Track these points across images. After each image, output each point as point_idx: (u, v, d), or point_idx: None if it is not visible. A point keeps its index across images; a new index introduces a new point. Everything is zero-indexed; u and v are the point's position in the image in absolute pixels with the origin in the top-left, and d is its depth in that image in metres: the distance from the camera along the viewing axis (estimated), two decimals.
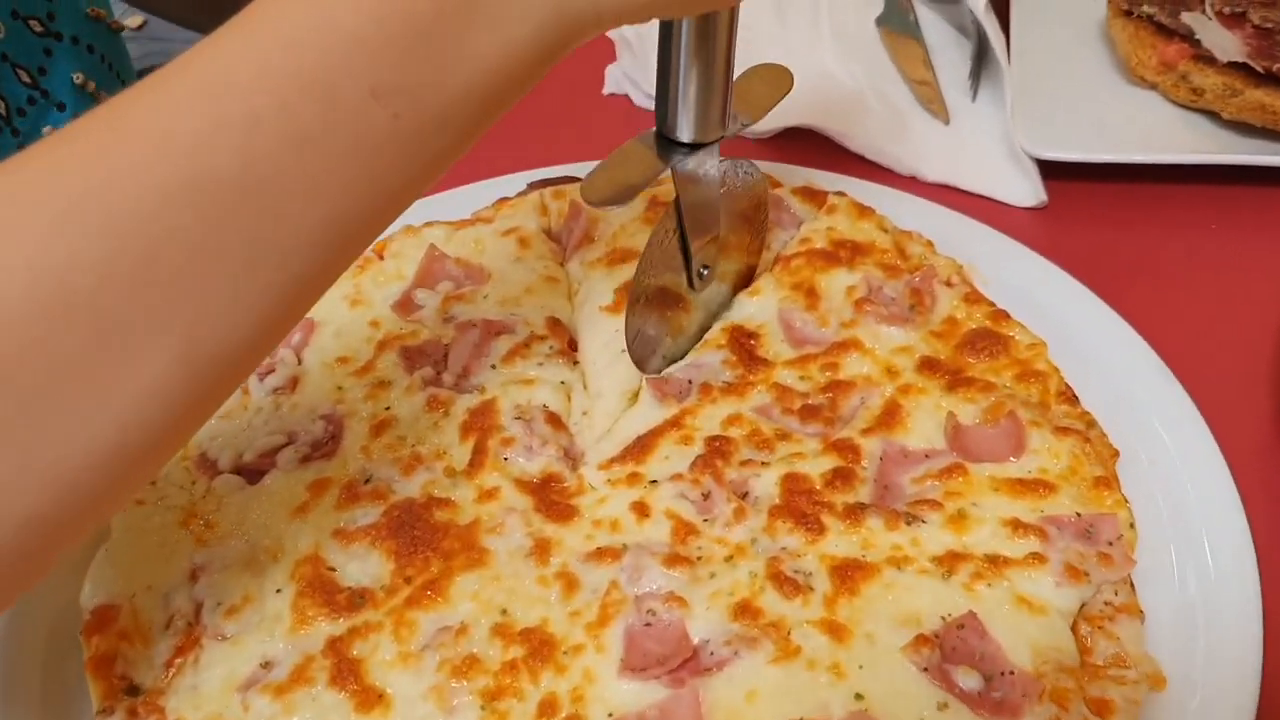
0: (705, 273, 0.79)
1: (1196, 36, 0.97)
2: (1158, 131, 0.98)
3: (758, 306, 0.82)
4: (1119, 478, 0.71)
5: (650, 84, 1.11)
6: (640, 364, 0.77)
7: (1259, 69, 0.92)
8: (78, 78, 1.20)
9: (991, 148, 1.00)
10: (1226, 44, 0.96)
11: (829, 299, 0.82)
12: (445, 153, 0.54)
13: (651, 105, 1.09)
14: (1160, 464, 0.72)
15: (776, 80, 0.82)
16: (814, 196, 0.90)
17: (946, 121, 1.04)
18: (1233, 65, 0.94)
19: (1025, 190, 0.96)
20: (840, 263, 0.84)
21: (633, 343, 0.76)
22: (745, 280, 0.84)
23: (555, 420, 0.75)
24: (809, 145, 1.03)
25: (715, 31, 0.65)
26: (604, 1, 0.55)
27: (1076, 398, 0.76)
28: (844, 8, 1.19)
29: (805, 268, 0.83)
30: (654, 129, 0.72)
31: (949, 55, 1.11)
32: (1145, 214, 0.95)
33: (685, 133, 0.70)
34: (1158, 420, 0.74)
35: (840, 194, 0.89)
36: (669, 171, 0.72)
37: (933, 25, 1.15)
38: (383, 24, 0.50)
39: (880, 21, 1.16)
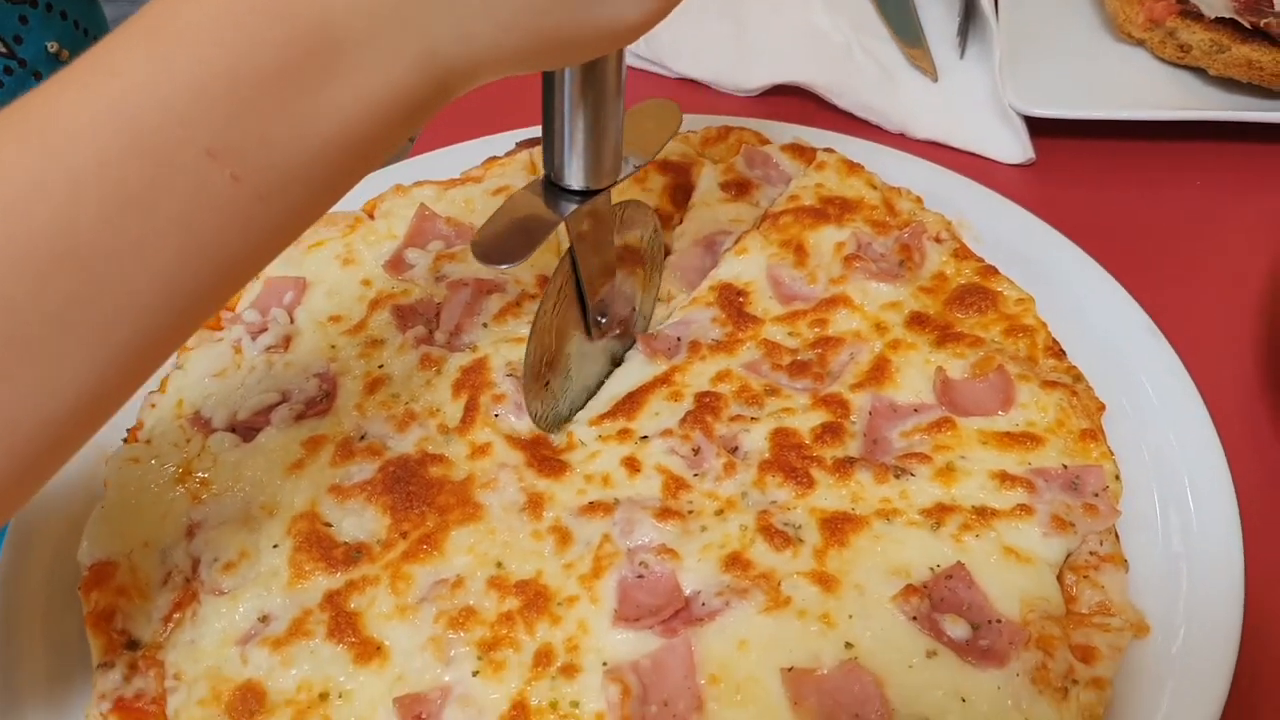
0: (604, 320, 0.75)
1: None
2: (1145, 88, 0.98)
3: (746, 264, 0.82)
4: (1105, 431, 0.72)
5: (642, 44, 1.10)
6: (538, 421, 0.73)
7: (1246, 24, 0.92)
8: (52, 46, 1.19)
9: (980, 105, 1.00)
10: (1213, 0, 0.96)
11: (818, 256, 0.82)
12: (299, 212, 0.50)
13: (641, 64, 1.11)
14: (1145, 417, 0.73)
15: (665, 118, 0.78)
16: (803, 153, 0.90)
17: (935, 79, 1.04)
18: (1220, 21, 0.94)
19: (1014, 147, 0.96)
20: (829, 219, 0.84)
21: (533, 404, 0.72)
22: (644, 320, 0.81)
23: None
24: (798, 102, 1.04)
25: (603, 76, 0.61)
26: (479, 53, 0.50)
27: (1064, 352, 0.77)
28: None
29: (794, 225, 0.84)
30: (544, 175, 0.67)
31: (937, 11, 1.11)
32: (1133, 170, 0.95)
33: (577, 180, 0.65)
34: (1143, 374, 0.75)
35: (829, 150, 0.90)
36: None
37: None
38: (225, 76, 0.45)
39: None
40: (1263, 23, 0.92)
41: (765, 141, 0.92)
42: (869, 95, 1.02)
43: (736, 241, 0.84)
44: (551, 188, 0.67)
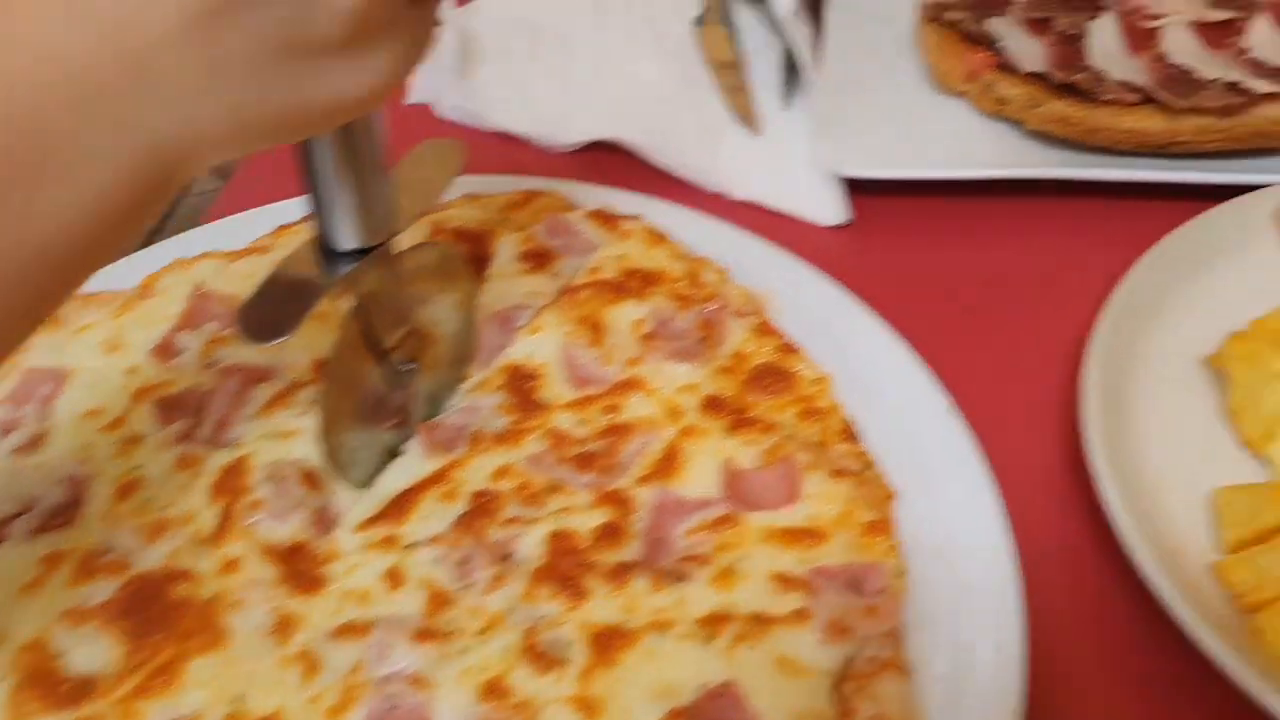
0: (410, 368, 0.73)
1: (1001, 44, 0.95)
2: (967, 142, 0.96)
3: (540, 344, 0.78)
4: (895, 521, 0.70)
5: (460, 93, 1.06)
6: (345, 475, 0.71)
7: (1057, 79, 0.91)
8: None
9: (800, 162, 0.97)
10: (1029, 52, 0.95)
11: (615, 334, 0.79)
12: (13, 322, 0.46)
13: (458, 116, 1.07)
14: (937, 505, 0.71)
15: (446, 159, 0.75)
16: (608, 221, 0.87)
17: (757, 133, 1.01)
18: (1034, 75, 0.93)
19: (829, 208, 0.94)
20: (629, 294, 0.81)
21: (334, 461, 0.70)
22: (469, 349, 0.79)
23: (312, 478, 0.71)
24: (622, 158, 1.00)
25: (357, 135, 0.58)
26: (204, 138, 0.47)
27: (857, 435, 0.74)
28: (662, 6, 1.16)
29: (593, 300, 0.80)
30: (314, 237, 0.64)
31: (767, 58, 1.08)
32: (954, 227, 0.94)
33: (347, 240, 0.62)
34: (937, 460, 0.72)
35: (636, 218, 0.86)
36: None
37: (753, 27, 1.11)
38: None
39: (697, 22, 1.13)
40: (1074, 78, 0.90)
41: (571, 207, 0.89)
42: (690, 152, 0.99)
43: (533, 318, 0.80)
44: (323, 250, 0.64)
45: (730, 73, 1.06)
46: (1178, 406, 0.76)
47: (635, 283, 0.82)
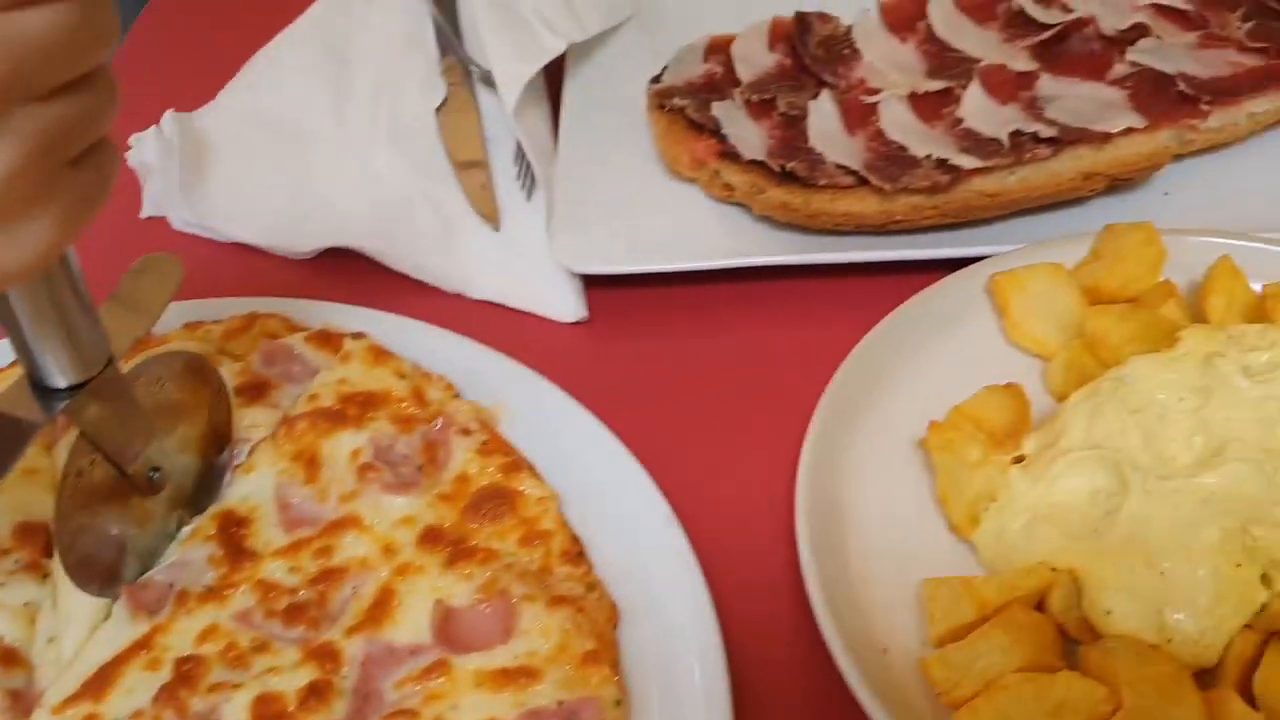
0: (158, 475, 0.71)
1: (724, 132, 0.96)
2: (701, 229, 0.97)
3: (253, 485, 0.76)
4: (616, 645, 0.69)
5: (190, 205, 1.03)
6: (88, 586, 0.69)
7: (775, 167, 0.92)
8: None
9: (539, 257, 0.96)
10: (751, 138, 0.96)
11: (332, 467, 0.77)
12: None
13: (194, 229, 1.03)
14: (658, 621, 0.71)
15: (165, 275, 0.75)
16: (329, 342, 0.85)
17: (497, 227, 1.00)
18: (755, 163, 0.94)
19: (567, 305, 0.93)
20: (348, 422, 0.79)
21: (76, 574, 0.68)
22: (224, 435, 0.78)
23: (9, 655, 0.68)
24: (354, 264, 0.98)
25: (54, 279, 0.57)
26: None
27: (582, 555, 0.74)
28: (405, 93, 1.14)
29: (309, 431, 0.78)
30: (24, 377, 0.62)
31: (509, 147, 1.08)
32: (689, 317, 0.94)
33: (62, 379, 0.61)
34: (660, 575, 0.72)
35: (359, 336, 0.84)
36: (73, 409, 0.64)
37: (497, 115, 1.10)
38: None
39: (440, 110, 1.12)
40: (789, 166, 0.92)
41: (294, 329, 0.86)
42: (426, 253, 0.98)
43: (248, 455, 0.78)
44: (36, 387, 0.62)
45: (473, 162, 1.06)
46: (895, 492, 0.77)
47: (355, 408, 0.80)
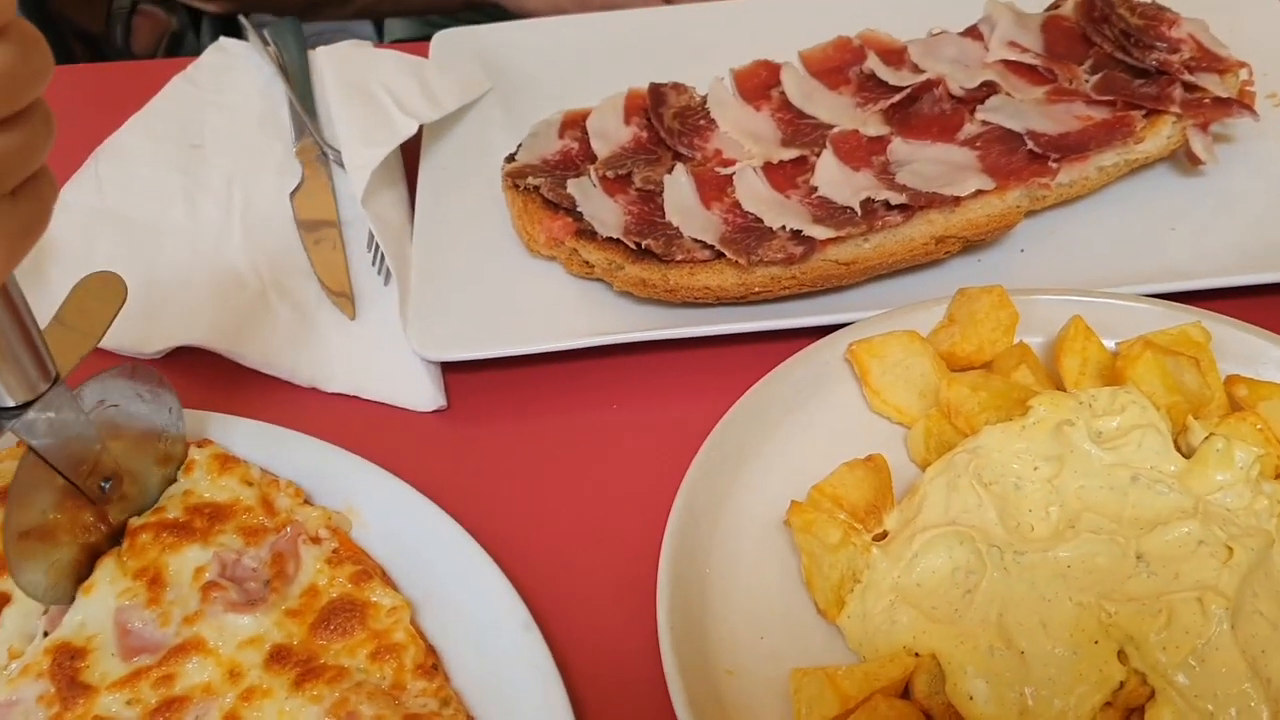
0: (109, 485, 0.74)
1: (580, 209, 0.95)
2: (561, 308, 0.96)
3: (92, 609, 0.72)
4: None
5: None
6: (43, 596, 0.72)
7: (631, 244, 0.91)
8: None
9: (395, 346, 0.94)
10: (607, 215, 0.95)
11: (176, 586, 0.73)
12: None
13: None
14: None
15: (109, 291, 0.78)
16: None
17: (353, 315, 0.97)
18: (611, 240, 0.93)
19: (424, 394, 0.91)
20: (194, 536, 0.75)
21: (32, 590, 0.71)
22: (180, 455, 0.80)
23: None
24: (206, 363, 0.94)
25: None
26: None
27: (436, 668, 0.71)
28: (260, 178, 1.11)
29: (153, 547, 0.75)
30: None
31: (364, 229, 1.05)
32: (551, 398, 0.92)
33: (10, 398, 0.65)
34: (519, 685, 0.70)
35: (204, 444, 0.81)
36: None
37: (354, 197, 1.08)
38: None
39: (295, 194, 1.09)
40: (645, 243, 0.91)
41: None
42: (279, 348, 0.94)
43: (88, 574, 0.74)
44: None
45: (328, 247, 1.03)
46: (762, 576, 0.76)
47: (202, 520, 0.77)
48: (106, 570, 0.74)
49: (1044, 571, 0.67)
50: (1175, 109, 0.98)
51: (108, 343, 0.95)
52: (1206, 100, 1.00)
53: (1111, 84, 1.02)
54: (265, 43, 1.24)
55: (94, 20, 1.72)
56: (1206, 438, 0.72)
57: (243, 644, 0.71)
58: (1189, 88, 1.00)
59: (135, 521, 0.77)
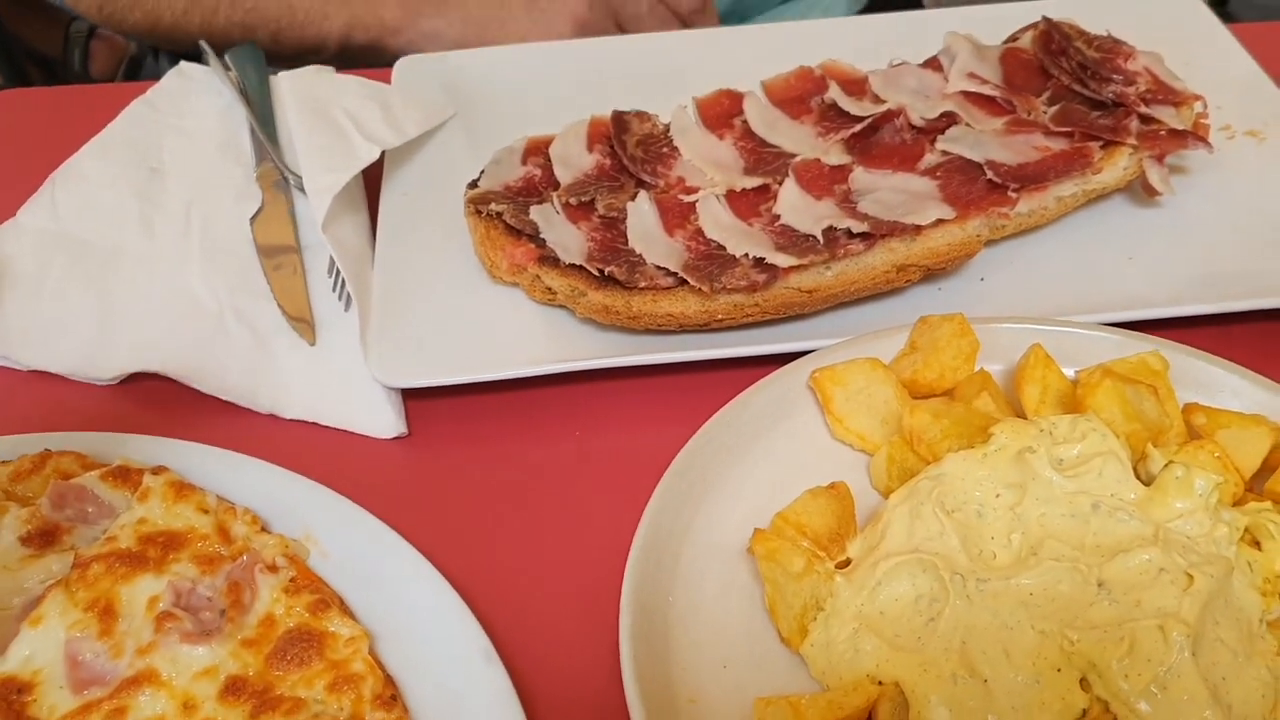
0: None
1: (543, 236, 0.95)
2: (523, 334, 0.95)
3: (40, 641, 0.70)
4: None
5: (30, 353, 0.96)
6: None
7: (595, 271, 0.91)
8: None
9: (355, 372, 0.93)
10: (570, 242, 0.94)
11: (129, 617, 0.72)
12: None
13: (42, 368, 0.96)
14: None
15: None
16: (128, 478, 0.80)
17: (313, 342, 0.96)
18: (574, 267, 0.92)
19: (384, 420, 0.90)
20: (147, 565, 0.74)
21: None
22: None
23: None
24: (163, 389, 0.93)
25: None
26: None
27: (395, 699, 0.70)
28: (220, 203, 1.10)
29: (105, 577, 0.73)
30: None
31: (326, 256, 1.04)
32: (515, 425, 0.92)
33: None
34: (479, 711, 0.69)
35: (159, 471, 0.80)
36: None
37: (314, 223, 1.07)
38: None
39: (255, 219, 1.08)
40: (608, 270, 0.90)
41: (90, 466, 0.81)
42: (237, 374, 0.93)
43: (36, 603, 0.72)
44: None
45: (288, 272, 1.02)
46: (726, 604, 0.75)
47: (156, 550, 0.75)
48: (55, 602, 0.72)
49: (1007, 599, 0.68)
50: (1132, 140, 0.99)
51: (61, 368, 0.95)
52: (1162, 132, 1.01)
53: (1069, 115, 1.03)
54: (226, 67, 1.23)
55: (51, 44, 1.70)
56: (1166, 465, 0.73)
57: (197, 675, 0.69)
58: (1145, 120, 1.02)
59: (86, 552, 0.75)
